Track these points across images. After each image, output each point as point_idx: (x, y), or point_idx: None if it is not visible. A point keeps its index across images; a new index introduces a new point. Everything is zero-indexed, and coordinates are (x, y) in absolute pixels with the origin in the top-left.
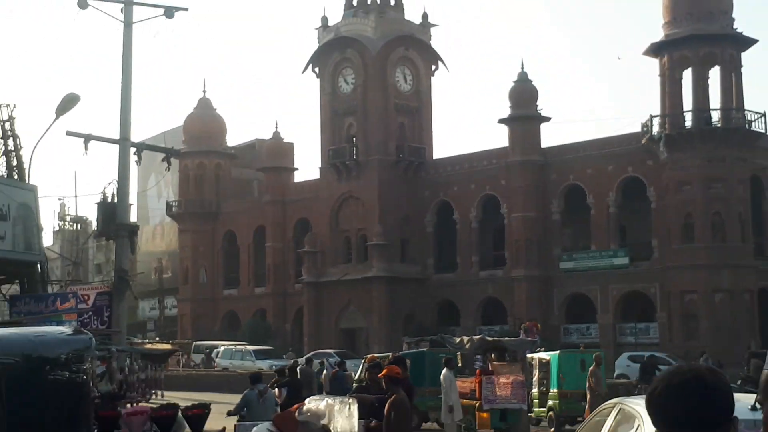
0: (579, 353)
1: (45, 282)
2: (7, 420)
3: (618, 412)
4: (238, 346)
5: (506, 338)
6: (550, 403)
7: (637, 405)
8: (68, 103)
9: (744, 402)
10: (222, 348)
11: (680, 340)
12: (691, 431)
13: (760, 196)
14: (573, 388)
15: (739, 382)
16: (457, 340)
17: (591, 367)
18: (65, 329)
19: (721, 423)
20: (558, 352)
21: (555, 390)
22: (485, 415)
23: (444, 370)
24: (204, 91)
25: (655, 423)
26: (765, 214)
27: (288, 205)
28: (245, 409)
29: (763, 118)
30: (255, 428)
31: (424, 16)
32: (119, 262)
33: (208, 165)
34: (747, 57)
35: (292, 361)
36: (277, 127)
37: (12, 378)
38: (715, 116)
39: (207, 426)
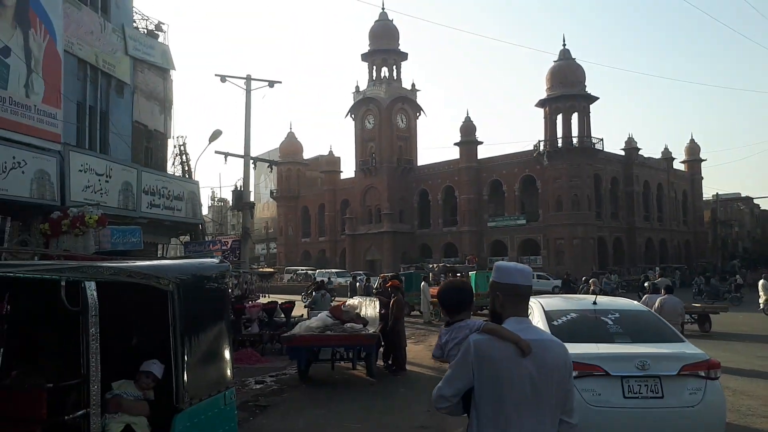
0: (486, 272)
1: (203, 235)
2: (183, 314)
3: None
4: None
5: (457, 264)
6: None
7: (531, 301)
8: (215, 135)
9: (590, 299)
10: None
11: (554, 266)
12: (453, 309)
13: (599, 185)
14: (483, 291)
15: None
16: (431, 266)
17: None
18: (215, 260)
19: (466, 306)
20: (475, 271)
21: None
22: None
23: (423, 283)
24: (290, 128)
25: (440, 305)
26: (601, 196)
27: (337, 191)
28: (314, 303)
29: (601, 142)
30: (319, 314)
31: (413, 85)
32: (245, 224)
33: (293, 169)
34: (593, 107)
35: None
36: (330, 148)
37: (185, 287)
38: (574, 140)
39: (294, 312)
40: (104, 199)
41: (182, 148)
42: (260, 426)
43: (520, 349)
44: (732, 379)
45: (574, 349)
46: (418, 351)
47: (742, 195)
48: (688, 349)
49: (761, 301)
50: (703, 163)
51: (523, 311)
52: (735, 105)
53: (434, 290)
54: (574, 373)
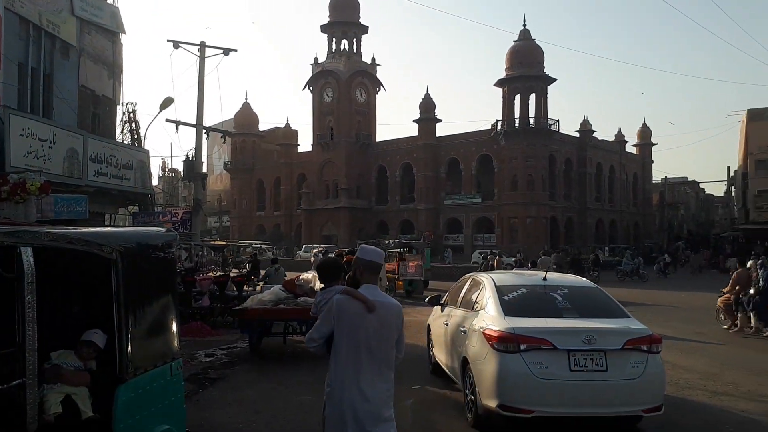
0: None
1: (153, 206)
2: (126, 283)
3: (471, 280)
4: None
5: (413, 241)
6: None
7: (482, 276)
8: (166, 102)
9: (540, 275)
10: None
11: (507, 243)
12: (327, 279)
13: (554, 166)
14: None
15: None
16: (387, 242)
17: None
18: (162, 229)
19: (336, 276)
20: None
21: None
22: (400, 282)
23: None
24: (246, 98)
25: (318, 277)
26: (555, 176)
27: (293, 165)
28: (267, 278)
29: (557, 123)
30: (272, 288)
31: (373, 59)
32: (196, 195)
33: (248, 141)
34: (551, 88)
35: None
36: (287, 120)
37: (129, 256)
38: (531, 121)
39: (245, 287)
40: (47, 165)
41: (132, 115)
42: (210, 398)
43: (368, 307)
44: (671, 353)
45: (524, 323)
46: None
47: (689, 179)
48: (633, 324)
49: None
50: (653, 147)
51: (374, 281)
52: (685, 91)
53: (390, 266)
54: (523, 346)
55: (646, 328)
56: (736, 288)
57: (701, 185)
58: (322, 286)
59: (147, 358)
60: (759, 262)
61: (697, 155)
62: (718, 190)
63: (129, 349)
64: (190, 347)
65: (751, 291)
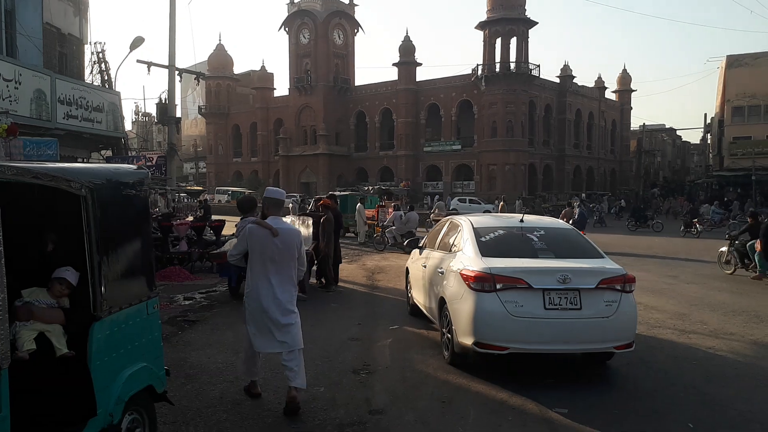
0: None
1: (127, 150)
2: (98, 220)
3: (449, 223)
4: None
5: (392, 188)
6: None
7: (461, 219)
8: (137, 42)
9: (517, 218)
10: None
11: (486, 190)
12: (244, 211)
13: (533, 112)
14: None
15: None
16: (367, 188)
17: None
18: (132, 166)
19: (250, 209)
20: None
21: None
22: (379, 229)
23: (359, 205)
24: (220, 39)
25: (238, 208)
26: (535, 123)
27: (270, 110)
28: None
29: (537, 68)
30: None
31: None
32: (170, 139)
33: (223, 84)
34: (532, 32)
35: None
36: (263, 63)
37: (100, 192)
38: (512, 66)
39: (224, 231)
40: (14, 107)
41: (101, 55)
42: (189, 340)
43: (272, 232)
44: (644, 295)
45: (500, 263)
46: (352, 270)
47: (666, 126)
48: (607, 264)
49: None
50: (632, 94)
51: (278, 213)
52: (666, 37)
53: (370, 212)
54: (499, 286)
55: (620, 268)
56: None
57: (678, 132)
58: (241, 216)
59: (122, 297)
60: (577, 203)
61: (676, 102)
62: (694, 137)
63: (103, 286)
64: (169, 291)
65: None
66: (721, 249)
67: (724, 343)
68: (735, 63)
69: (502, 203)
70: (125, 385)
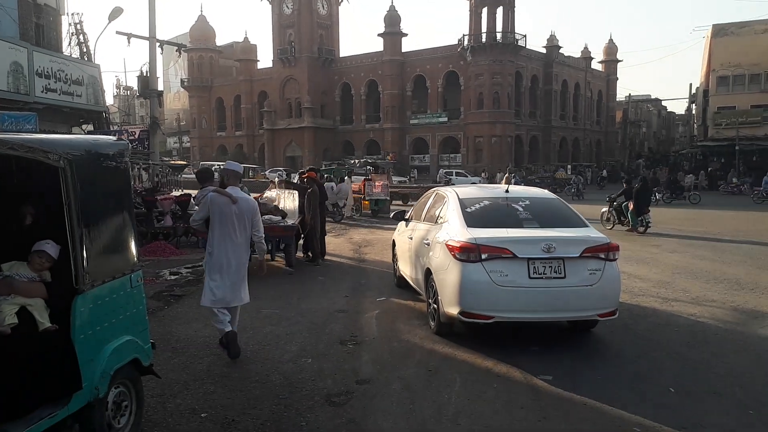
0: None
1: (108, 124)
2: (78, 192)
3: (434, 194)
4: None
5: (379, 161)
6: None
7: (446, 190)
8: (115, 12)
9: (503, 188)
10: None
11: (473, 163)
12: (202, 181)
13: (520, 83)
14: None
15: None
16: (353, 161)
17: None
18: (112, 138)
19: (208, 180)
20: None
21: None
22: (366, 203)
23: (346, 178)
24: (201, 11)
25: (197, 179)
26: (521, 94)
27: (254, 82)
28: None
29: (524, 38)
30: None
31: None
32: (152, 112)
33: (205, 57)
34: (518, 1)
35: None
36: (246, 34)
37: (79, 164)
38: (498, 36)
39: None
40: None
41: (78, 27)
42: (175, 314)
43: (231, 200)
44: (627, 264)
45: (485, 233)
46: (339, 243)
47: (652, 97)
48: (591, 233)
49: None
50: (618, 64)
51: (236, 183)
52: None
53: (356, 186)
54: (485, 256)
55: (605, 237)
56: None
57: (663, 103)
58: (201, 186)
59: (104, 270)
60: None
61: (662, 72)
62: (680, 107)
63: (84, 260)
64: (155, 267)
65: None
66: (602, 210)
67: (706, 309)
68: (720, 32)
69: (507, 175)
70: (110, 359)
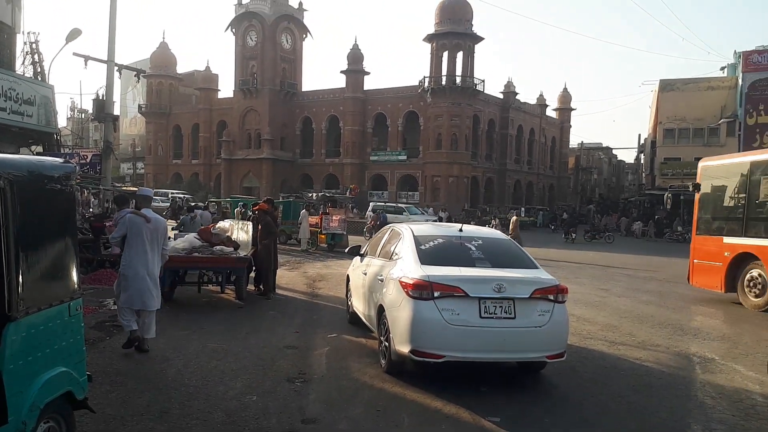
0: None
1: (59, 146)
2: (17, 214)
3: (390, 231)
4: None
5: (337, 195)
6: None
7: (402, 227)
8: (74, 34)
9: (456, 227)
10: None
11: (429, 202)
12: (120, 204)
13: (477, 126)
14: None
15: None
16: (311, 195)
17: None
18: (59, 159)
19: (125, 204)
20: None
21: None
22: (323, 236)
23: (303, 211)
24: (163, 37)
25: (115, 203)
26: (478, 137)
27: (213, 111)
28: (182, 226)
29: (482, 83)
30: (186, 236)
31: (300, 3)
32: (107, 137)
33: (165, 83)
34: (478, 47)
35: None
36: (208, 63)
37: (21, 185)
38: (458, 80)
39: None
40: None
41: (34, 46)
42: (116, 345)
43: (146, 219)
44: (576, 307)
45: (438, 271)
46: (292, 277)
47: (603, 145)
48: (542, 274)
49: None
50: (572, 113)
51: (148, 206)
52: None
53: (314, 219)
54: (437, 294)
55: (554, 279)
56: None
57: (614, 151)
58: (119, 209)
59: (41, 296)
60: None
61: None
62: (629, 156)
63: (20, 285)
64: (99, 295)
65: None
66: None
67: (651, 354)
68: (667, 87)
69: (515, 218)
70: (41, 391)
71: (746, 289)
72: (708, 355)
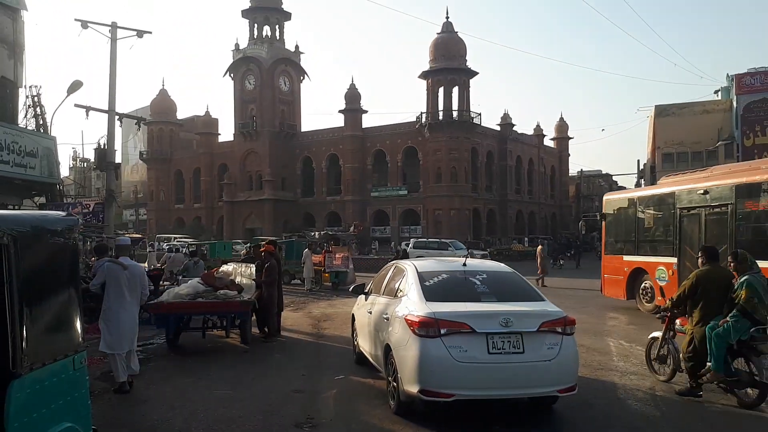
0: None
1: (62, 197)
2: (21, 270)
3: (394, 268)
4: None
5: (339, 233)
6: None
7: (405, 264)
8: (75, 86)
9: (460, 261)
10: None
11: (432, 235)
12: (100, 254)
13: (476, 158)
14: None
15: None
16: (313, 234)
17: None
18: (61, 213)
19: (105, 253)
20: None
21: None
22: (326, 275)
23: (306, 250)
24: (163, 84)
25: (95, 252)
26: (477, 169)
27: (214, 155)
28: (186, 271)
29: (479, 116)
30: (189, 281)
31: (296, 47)
32: (109, 185)
33: (165, 129)
34: (473, 81)
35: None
36: (207, 108)
37: (24, 240)
38: (454, 114)
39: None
40: None
41: (36, 99)
42: (122, 396)
43: (123, 267)
44: (586, 337)
45: (444, 308)
46: (297, 318)
47: (603, 172)
48: (548, 307)
49: None
50: (570, 141)
51: (126, 254)
52: (600, 87)
53: (317, 258)
54: (444, 331)
55: (561, 311)
56: None
57: (614, 178)
58: (97, 258)
59: (45, 351)
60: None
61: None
62: (629, 182)
63: (24, 341)
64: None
65: None
66: None
67: (665, 383)
68: (663, 113)
69: (540, 247)
70: None
71: (641, 297)
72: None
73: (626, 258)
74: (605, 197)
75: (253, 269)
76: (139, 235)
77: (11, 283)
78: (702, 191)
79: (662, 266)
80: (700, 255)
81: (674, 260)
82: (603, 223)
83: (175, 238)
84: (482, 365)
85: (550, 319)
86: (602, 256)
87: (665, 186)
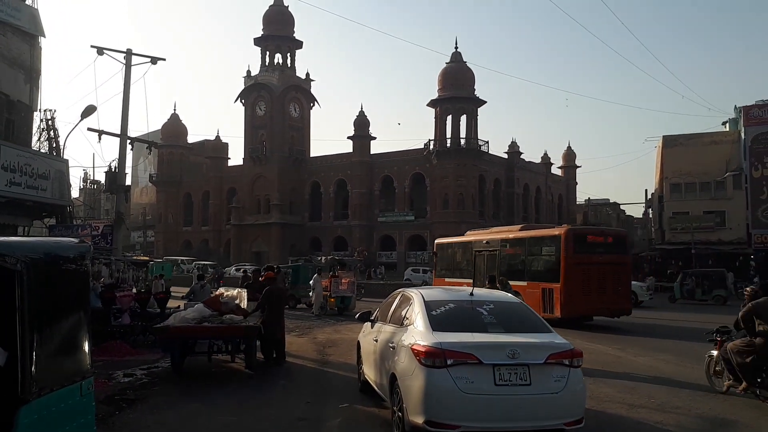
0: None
1: (72, 218)
2: (33, 297)
3: (401, 296)
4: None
5: (346, 258)
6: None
7: (412, 292)
8: (88, 110)
9: (467, 291)
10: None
11: None
12: None
13: (483, 186)
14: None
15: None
16: (320, 258)
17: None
18: (74, 240)
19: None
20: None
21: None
22: (332, 300)
23: (315, 276)
24: (174, 109)
25: None
26: (485, 196)
27: (224, 179)
28: (192, 294)
29: (486, 144)
30: (195, 305)
31: (307, 74)
32: (118, 208)
33: (175, 153)
34: (481, 110)
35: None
36: (218, 133)
37: (37, 268)
38: (462, 142)
39: (168, 304)
40: None
41: (50, 122)
42: (126, 421)
43: None
44: (592, 369)
45: (450, 338)
46: (302, 344)
47: (611, 201)
48: (556, 339)
49: None
50: (577, 170)
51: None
52: (608, 117)
53: (326, 282)
54: (450, 361)
55: (568, 343)
56: None
57: (622, 207)
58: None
59: (54, 377)
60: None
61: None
62: (637, 211)
63: (33, 367)
64: (108, 367)
65: None
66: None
67: (671, 417)
68: (670, 143)
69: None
70: None
71: None
72: (729, 417)
73: (447, 279)
74: (436, 241)
75: (245, 295)
76: (146, 258)
77: (23, 309)
78: (486, 241)
79: (465, 284)
80: (487, 281)
81: (471, 281)
82: (435, 258)
83: (181, 260)
84: (489, 397)
85: (558, 351)
86: (433, 279)
87: (469, 236)
